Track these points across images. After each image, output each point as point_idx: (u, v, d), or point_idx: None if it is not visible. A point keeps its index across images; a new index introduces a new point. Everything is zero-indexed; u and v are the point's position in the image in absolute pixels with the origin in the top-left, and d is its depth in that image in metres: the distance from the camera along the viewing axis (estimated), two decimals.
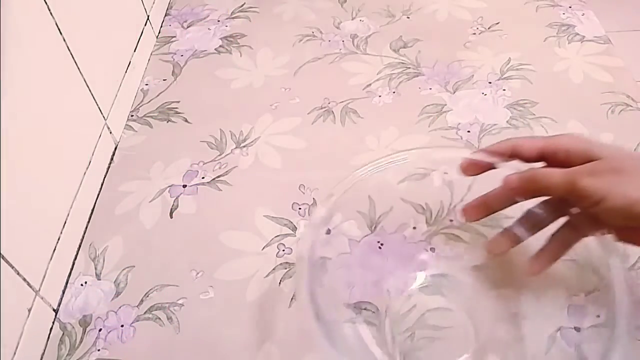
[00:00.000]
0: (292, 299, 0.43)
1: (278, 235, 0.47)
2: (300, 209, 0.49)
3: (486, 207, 0.40)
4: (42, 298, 0.41)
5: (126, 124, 0.58)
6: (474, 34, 0.67)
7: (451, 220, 0.46)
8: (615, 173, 0.33)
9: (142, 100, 0.60)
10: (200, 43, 0.68)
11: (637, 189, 0.32)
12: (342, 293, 0.43)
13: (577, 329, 0.40)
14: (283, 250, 0.46)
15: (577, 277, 0.42)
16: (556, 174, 0.35)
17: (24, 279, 0.39)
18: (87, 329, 0.42)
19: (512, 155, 0.37)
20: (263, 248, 0.46)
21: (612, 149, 0.35)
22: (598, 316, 0.41)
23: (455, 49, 0.65)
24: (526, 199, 0.38)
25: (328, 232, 0.46)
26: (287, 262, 0.45)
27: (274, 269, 0.45)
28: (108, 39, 0.56)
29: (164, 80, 0.63)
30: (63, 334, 0.42)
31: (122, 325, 0.42)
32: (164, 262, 0.46)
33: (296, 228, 0.47)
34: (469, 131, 0.55)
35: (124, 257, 0.46)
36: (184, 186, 0.51)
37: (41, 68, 0.43)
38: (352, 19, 0.70)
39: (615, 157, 0.34)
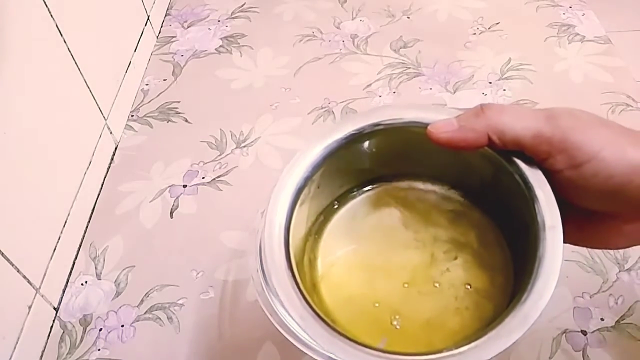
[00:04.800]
0: None
1: None
2: None
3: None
4: (42, 296, 0.41)
5: (126, 124, 0.58)
6: (474, 34, 0.67)
7: None
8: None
9: (142, 100, 0.60)
10: (201, 43, 0.68)
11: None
12: None
13: (584, 332, 0.40)
14: None
15: (581, 278, 0.42)
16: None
17: (24, 277, 0.39)
18: (88, 328, 0.42)
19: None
20: None
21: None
22: (602, 319, 0.41)
23: (456, 49, 0.65)
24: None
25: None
26: None
27: None
28: (108, 39, 0.56)
29: (164, 80, 0.63)
30: (63, 332, 0.42)
31: (122, 325, 0.42)
32: (164, 262, 0.46)
33: None
34: None
35: (124, 257, 0.46)
36: (184, 186, 0.51)
37: (41, 68, 0.43)
38: (352, 19, 0.70)
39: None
